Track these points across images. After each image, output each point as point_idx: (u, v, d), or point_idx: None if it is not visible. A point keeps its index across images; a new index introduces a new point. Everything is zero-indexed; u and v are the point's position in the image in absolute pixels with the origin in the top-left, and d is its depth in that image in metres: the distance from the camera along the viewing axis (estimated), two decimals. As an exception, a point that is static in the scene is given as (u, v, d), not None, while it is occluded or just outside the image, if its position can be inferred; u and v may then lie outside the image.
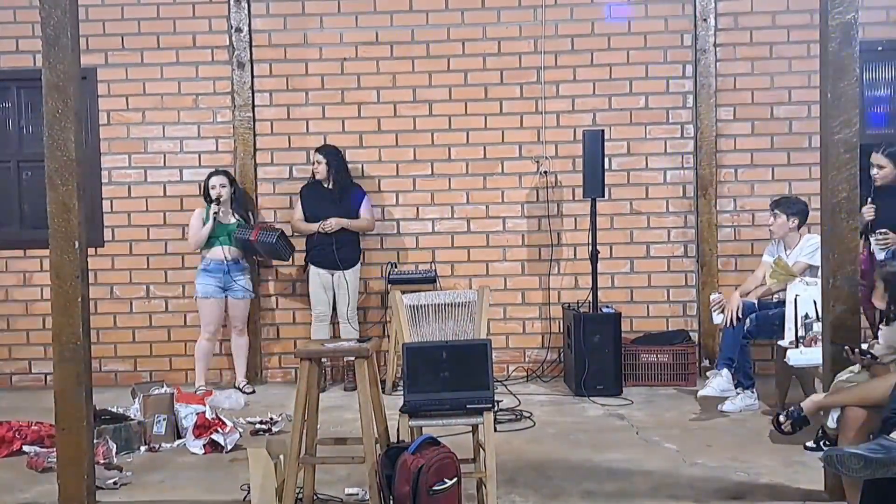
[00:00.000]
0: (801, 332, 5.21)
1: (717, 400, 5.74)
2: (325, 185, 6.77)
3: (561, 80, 7.02)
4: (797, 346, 5.17)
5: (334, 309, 6.79)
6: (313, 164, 6.77)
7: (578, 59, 7.01)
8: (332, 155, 6.76)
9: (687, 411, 5.86)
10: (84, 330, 4.14)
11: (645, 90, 7.01)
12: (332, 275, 6.73)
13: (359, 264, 6.85)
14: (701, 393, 5.75)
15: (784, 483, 4.31)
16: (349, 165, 6.92)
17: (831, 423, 3.92)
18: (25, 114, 7.24)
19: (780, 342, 5.57)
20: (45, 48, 4.08)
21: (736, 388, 5.75)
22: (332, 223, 6.60)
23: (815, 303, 5.15)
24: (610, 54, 7.00)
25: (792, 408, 4.01)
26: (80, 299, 4.12)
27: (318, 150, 6.81)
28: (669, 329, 6.98)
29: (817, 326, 5.07)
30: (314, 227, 6.66)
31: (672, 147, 7.03)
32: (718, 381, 5.69)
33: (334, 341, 4.98)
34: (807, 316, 5.23)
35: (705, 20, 6.90)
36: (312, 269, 6.76)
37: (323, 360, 5.91)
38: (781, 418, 4.03)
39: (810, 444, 4.70)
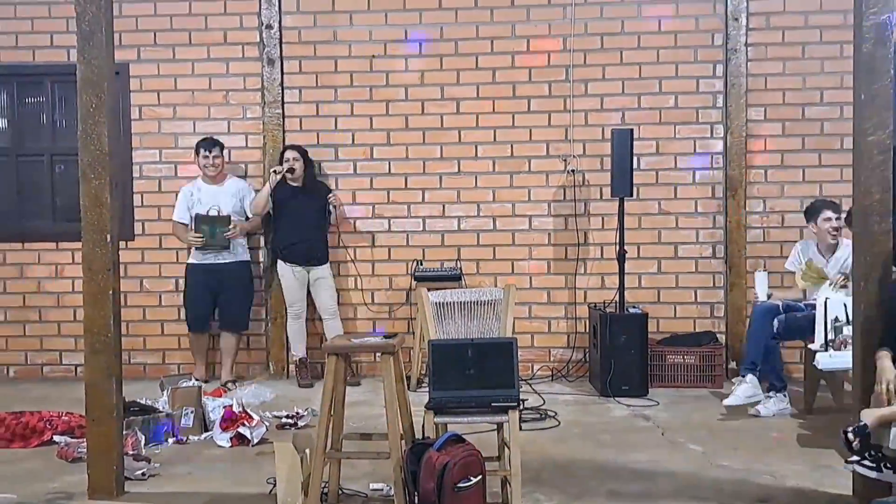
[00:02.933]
0: (830, 336, 5.16)
1: (744, 406, 5.68)
2: (293, 184, 6.80)
3: (590, 78, 7.00)
4: (826, 350, 5.12)
5: (309, 306, 6.90)
6: (288, 160, 6.74)
7: (608, 57, 6.99)
8: (304, 153, 6.85)
9: (713, 413, 5.82)
10: (114, 322, 4.20)
11: (674, 89, 6.97)
12: (309, 271, 6.80)
13: (329, 262, 6.93)
14: (726, 402, 5.65)
15: (811, 487, 4.28)
16: (377, 162, 7.00)
17: (894, 442, 3.62)
18: (59, 108, 7.33)
19: (809, 345, 5.51)
20: (79, 43, 4.14)
21: (768, 391, 5.71)
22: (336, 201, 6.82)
23: (845, 306, 5.10)
24: (639, 53, 6.97)
25: (858, 424, 3.72)
26: (111, 292, 4.17)
27: (292, 147, 6.84)
28: (696, 330, 6.94)
29: (847, 330, 5.01)
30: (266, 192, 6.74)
31: (701, 147, 6.99)
32: (744, 389, 5.62)
33: (361, 337, 4.99)
34: (836, 319, 5.18)
35: (737, 20, 6.85)
36: (284, 266, 6.81)
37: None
38: (850, 436, 3.69)
39: (854, 458, 3.94)
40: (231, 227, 6.72)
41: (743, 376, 5.69)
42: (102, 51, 4.13)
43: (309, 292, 6.90)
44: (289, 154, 6.80)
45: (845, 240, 5.85)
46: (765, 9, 6.89)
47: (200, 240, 6.67)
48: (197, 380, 6.54)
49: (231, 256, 6.82)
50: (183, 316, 7.08)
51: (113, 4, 4.24)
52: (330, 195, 6.80)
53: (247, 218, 6.92)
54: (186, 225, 6.79)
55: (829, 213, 5.91)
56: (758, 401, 5.65)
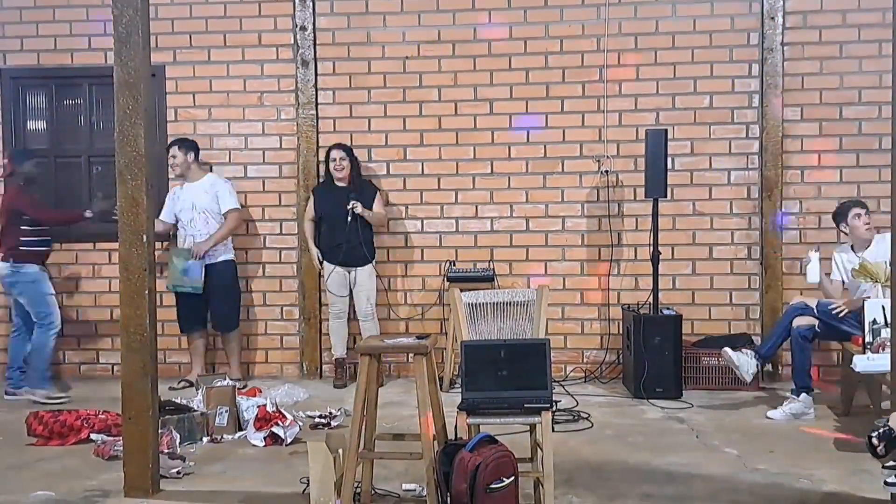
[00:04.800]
0: (868, 338, 5.09)
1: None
2: (339, 185, 6.79)
3: (624, 78, 6.96)
4: (864, 352, 5.06)
5: (351, 307, 6.89)
6: (334, 160, 6.76)
7: (642, 57, 6.95)
8: (351, 152, 6.83)
9: (748, 416, 5.77)
10: (150, 322, 4.24)
11: (709, 89, 6.91)
12: (350, 273, 6.78)
13: (373, 262, 6.89)
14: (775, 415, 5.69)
15: (848, 492, 4.22)
16: (410, 163, 7.01)
17: None
18: (96, 110, 7.42)
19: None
20: (116, 46, 4.19)
21: (794, 392, 5.67)
22: (359, 208, 6.63)
23: (883, 308, 5.03)
24: (674, 53, 6.92)
25: (883, 428, 3.67)
26: (147, 292, 4.21)
27: (338, 146, 6.81)
28: (731, 332, 6.88)
29: (885, 332, 4.95)
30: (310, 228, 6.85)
31: (737, 147, 6.92)
32: (796, 406, 5.63)
33: (393, 337, 5.00)
34: (875, 321, 5.11)
35: (773, 18, 6.78)
36: (328, 266, 6.83)
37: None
38: (875, 441, 3.67)
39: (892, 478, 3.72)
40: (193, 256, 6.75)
41: (795, 395, 5.65)
42: (139, 53, 4.17)
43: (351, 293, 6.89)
44: (335, 153, 6.79)
45: (878, 235, 5.80)
46: (801, 7, 6.81)
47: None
48: (186, 381, 6.72)
49: (213, 258, 6.82)
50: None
51: (149, 7, 4.29)
52: (351, 203, 6.65)
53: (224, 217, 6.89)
54: (163, 223, 6.88)
55: (857, 210, 5.90)
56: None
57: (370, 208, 6.78)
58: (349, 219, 6.63)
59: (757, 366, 5.80)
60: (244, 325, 7.22)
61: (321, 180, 7.00)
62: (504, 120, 7.06)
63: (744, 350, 5.94)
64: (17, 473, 4.70)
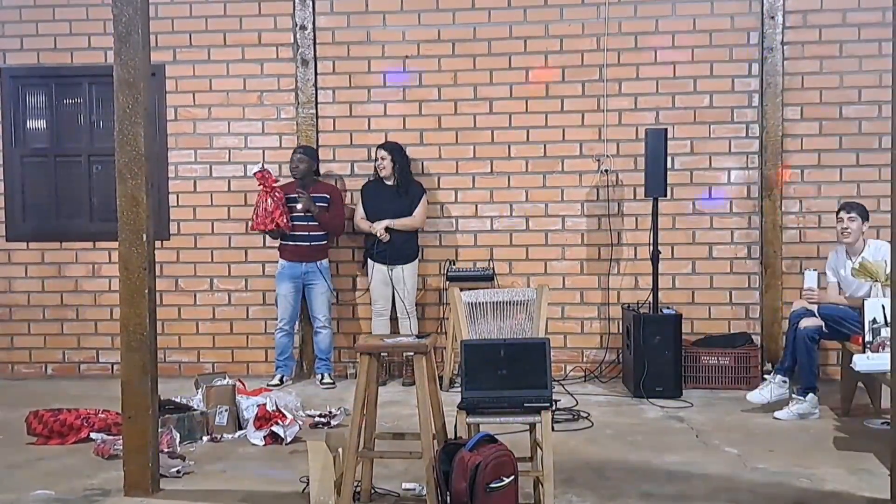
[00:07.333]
0: (868, 338, 5.09)
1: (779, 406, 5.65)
2: (387, 183, 6.81)
3: (624, 77, 6.96)
4: (864, 352, 5.05)
5: (394, 304, 6.84)
6: (377, 160, 6.81)
7: (642, 56, 6.95)
8: (396, 151, 6.81)
9: (748, 415, 5.76)
10: (150, 321, 4.24)
11: (709, 89, 6.91)
12: (392, 270, 6.78)
13: (416, 260, 6.88)
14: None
15: (848, 490, 4.22)
16: (410, 163, 6.99)
17: None
18: (96, 109, 7.42)
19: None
20: (116, 45, 4.19)
21: (800, 393, 5.65)
22: (381, 229, 6.67)
23: (883, 307, 5.03)
24: (674, 52, 6.92)
25: None
26: (146, 291, 4.21)
27: (381, 146, 6.85)
28: (731, 331, 6.88)
29: (885, 331, 4.94)
30: (369, 227, 6.75)
31: (736, 147, 6.92)
32: (802, 407, 5.62)
33: (394, 336, 5.00)
34: (874, 321, 5.11)
35: (773, 18, 6.78)
36: (372, 264, 6.82)
37: (382, 354, 5.94)
38: None
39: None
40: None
41: (803, 395, 5.64)
42: (139, 52, 4.17)
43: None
44: (378, 153, 6.80)
45: (871, 241, 5.75)
46: (801, 6, 6.81)
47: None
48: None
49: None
50: (218, 315, 7.22)
51: (149, 6, 4.29)
52: (380, 234, 6.72)
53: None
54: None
55: (841, 214, 5.80)
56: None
57: (413, 209, 6.79)
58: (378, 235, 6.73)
59: (785, 382, 5.72)
60: (244, 324, 7.23)
61: (371, 178, 6.98)
62: (504, 119, 7.06)
63: (764, 378, 5.92)
64: (16, 472, 4.70)
